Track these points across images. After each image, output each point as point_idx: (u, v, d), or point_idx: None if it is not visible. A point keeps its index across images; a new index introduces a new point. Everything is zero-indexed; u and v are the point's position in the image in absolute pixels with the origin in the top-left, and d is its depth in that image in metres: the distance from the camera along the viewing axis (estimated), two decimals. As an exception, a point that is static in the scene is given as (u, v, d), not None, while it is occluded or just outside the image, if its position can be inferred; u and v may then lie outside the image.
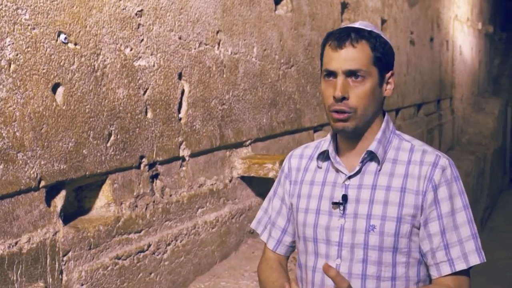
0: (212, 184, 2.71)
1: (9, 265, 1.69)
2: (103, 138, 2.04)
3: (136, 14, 2.18)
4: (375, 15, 4.78)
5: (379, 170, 1.54)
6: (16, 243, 1.72)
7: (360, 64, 1.49)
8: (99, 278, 2.01)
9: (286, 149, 3.39)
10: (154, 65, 2.27)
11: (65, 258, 1.90)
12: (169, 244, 2.38)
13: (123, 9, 2.11)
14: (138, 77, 2.20)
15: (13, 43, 1.68)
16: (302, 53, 3.51)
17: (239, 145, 2.92)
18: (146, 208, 2.26)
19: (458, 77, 8.40)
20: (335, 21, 3.97)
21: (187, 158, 2.51)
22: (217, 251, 2.72)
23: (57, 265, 1.86)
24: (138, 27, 2.19)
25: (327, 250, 1.57)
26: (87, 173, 1.97)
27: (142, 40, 2.21)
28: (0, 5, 1.64)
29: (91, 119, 1.98)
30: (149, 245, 2.26)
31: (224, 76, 2.74)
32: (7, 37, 1.66)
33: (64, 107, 1.87)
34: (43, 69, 1.79)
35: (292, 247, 1.76)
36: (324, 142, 1.64)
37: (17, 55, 1.70)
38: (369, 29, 1.54)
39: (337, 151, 1.60)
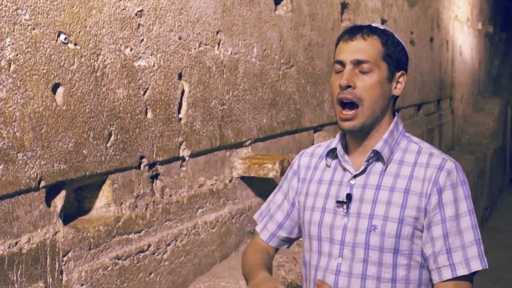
0: (212, 184, 2.71)
1: (9, 265, 1.69)
2: (103, 138, 2.04)
3: (136, 14, 2.18)
4: (375, 15, 4.78)
5: (384, 171, 1.53)
6: (16, 243, 1.72)
7: (369, 55, 1.50)
8: (99, 278, 2.01)
9: (286, 149, 3.39)
10: (154, 65, 2.27)
11: (65, 258, 1.90)
12: (169, 244, 2.38)
13: (123, 9, 2.11)
14: (138, 77, 2.20)
15: (13, 43, 1.68)
16: (302, 53, 3.51)
17: (239, 145, 2.92)
18: (146, 208, 2.26)
19: (458, 77, 8.40)
20: (335, 21, 3.97)
21: (187, 158, 2.51)
22: (217, 251, 2.72)
23: (57, 265, 1.86)
24: (138, 27, 2.19)
25: (330, 248, 1.57)
26: (87, 173, 1.97)
27: (142, 40, 2.21)
28: (0, 5, 1.64)
29: (91, 119, 1.98)
30: (149, 245, 2.26)
31: (224, 76, 2.74)
32: (7, 37, 1.66)
33: (64, 107, 1.87)
34: (43, 69, 1.79)
35: (284, 241, 1.75)
36: (334, 140, 1.64)
37: (17, 55, 1.70)
38: (382, 27, 1.57)
39: (346, 149, 1.60)
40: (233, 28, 2.80)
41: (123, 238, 2.14)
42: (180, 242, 2.45)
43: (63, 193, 1.91)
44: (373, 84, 1.50)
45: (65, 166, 1.87)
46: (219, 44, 2.70)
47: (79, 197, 2.13)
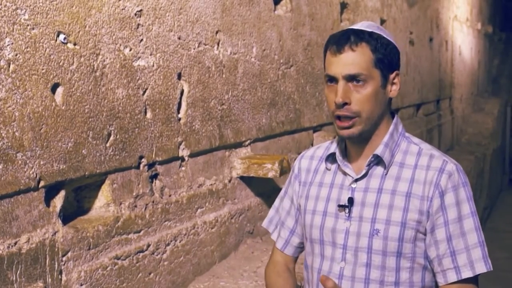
0: (211, 184, 2.71)
1: (8, 265, 1.69)
2: (103, 138, 2.04)
3: (135, 14, 2.18)
4: (374, 15, 4.78)
5: (386, 174, 1.52)
6: (15, 243, 1.72)
7: (360, 67, 1.46)
8: (98, 278, 2.01)
9: (286, 149, 3.39)
10: (153, 65, 2.27)
11: (64, 258, 1.90)
12: (168, 244, 2.38)
13: (123, 9, 2.11)
14: (138, 77, 2.20)
15: (12, 43, 1.68)
16: (302, 53, 3.52)
17: (239, 145, 2.92)
18: (145, 208, 2.26)
19: (457, 77, 8.40)
20: (334, 21, 3.97)
21: (186, 158, 2.51)
22: (216, 251, 2.72)
23: (56, 265, 1.86)
24: (138, 27, 2.19)
25: (332, 252, 1.56)
26: (86, 173, 1.97)
27: (142, 40, 2.21)
28: (0, 5, 1.64)
29: (90, 119, 1.98)
30: (148, 245, 2.26)
31: (224, 76, 2.74)
32: (6, 37, 1.66)
33: (63, 107, 1.87)
34: (43, 69, 1.79)
35: (300, 248, 1.75)
36: (334, 143, 1.63)
37: (16, 55, 1.70)
38: (370, 30, 1.51)
39: (346, 152, 1.59)
40: (232, 28, 2.80)
41: (123, 238, 2.14)
42: (180, 242, 2.45)
43: (62, 193, 1.91)
44: (368, 95, 1.47)
45: (64, 166, 1.87)
46: (218, 44, 2.70)
47: (78, 197, 2.13)
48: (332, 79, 1.50)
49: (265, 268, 1.80)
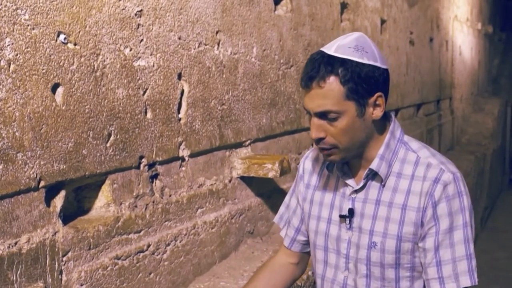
0: (211, 184, 2.71)
1: (8, 265, 1.69)
2: (103, 138, 2.04)
3: (135, 14, 2.18)
4: (374, 15, 4.78)
5: (383, 186, 1.52)
6: (15, 243, 1.72)
7: (330, 105, 1.41)
8: (98, 278, 2.01)
9: (286, 149, 3.39)
10: (153, 65, 2.27)
11: (64, 258, 1.90)
12: (168, 244, 2.38)
13: (123, 9, 2.11)
14: (138, 77, 2.20)
15: (12, 43, 1.68)
16: (302, 53, 3.52)
17: (239, 145, 2.92)
18: (145, 208, 2.26)
19: (457, 77, 8.40)
20: (334, 21, 3.97)
21: (186, 158, 2.51)
22: (216, 251, 2.72)
23: (56, 265, 1.86)
24: (138, 27, 2.19)
25: (336, 260, 1.58)
26: (86, 173, 1.97)
27: (142, 40, 2.21)
28: (0, 5, 1.64)
29: (90, 119, 1.98)
30: (148, 245, 2.26)
31: (224, 76, 2.74)
32: (6, 37, 1.66)
33: (63, 107, 1.87)
34: (43, 69, 1.79)
35: (306, 245, 1.76)
36: None
37: (16, 55, 1.70)
38: (345, 55, 1.42)
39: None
40: (232, 28, 2.80)
41: (123, 238, 2.14)
42: (180, 242, 2.45)
43: (62, 193, 1.91)
44: (343, 128, 1.44)
45: (64, 166, 1.87)
46: (218, 44, 2.70)
47: (78, 197, 2.13)
48: (308, 112, 1.48)
49: None
